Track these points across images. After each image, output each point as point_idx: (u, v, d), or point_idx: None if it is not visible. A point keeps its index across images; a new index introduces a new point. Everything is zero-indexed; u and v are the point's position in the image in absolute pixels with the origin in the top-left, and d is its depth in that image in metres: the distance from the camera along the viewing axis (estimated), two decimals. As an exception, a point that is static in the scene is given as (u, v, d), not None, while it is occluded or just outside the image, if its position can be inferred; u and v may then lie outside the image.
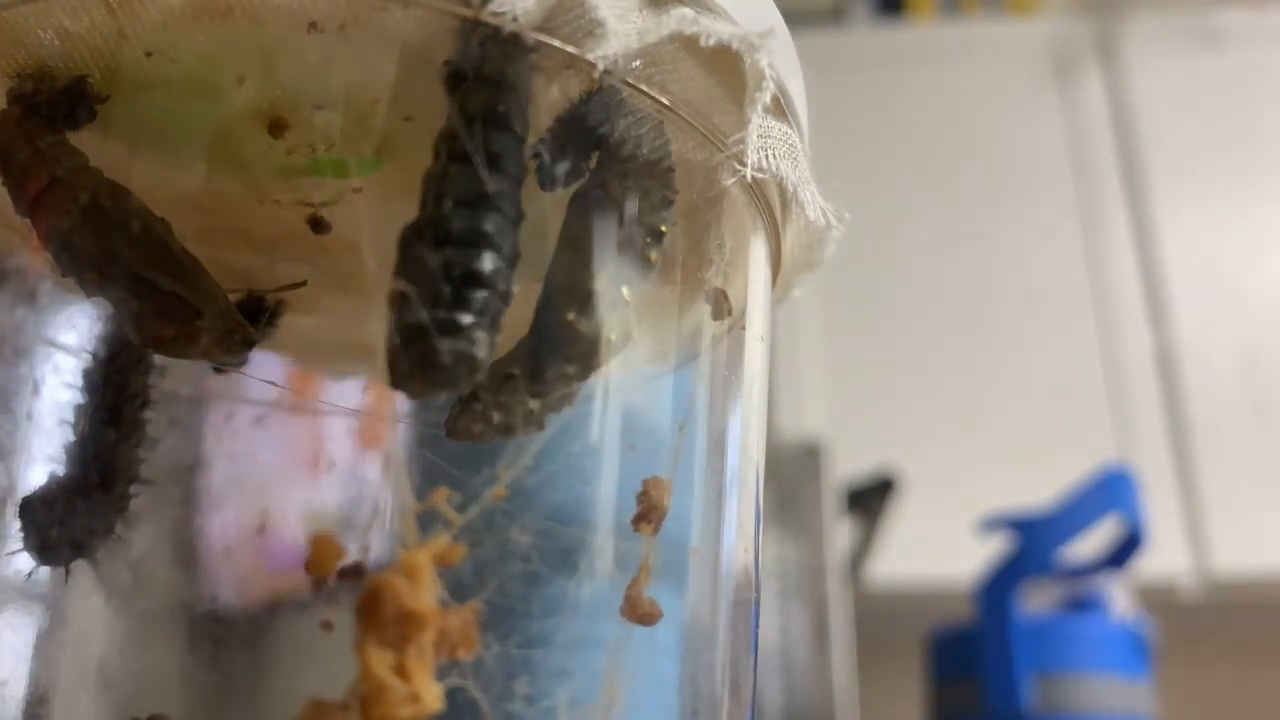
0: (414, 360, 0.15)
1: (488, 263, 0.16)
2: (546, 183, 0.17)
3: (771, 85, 0.19)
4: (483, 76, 0.17)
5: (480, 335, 0.16)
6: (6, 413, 0.20)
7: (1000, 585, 0.66)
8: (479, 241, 0.16)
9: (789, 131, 0.21)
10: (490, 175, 0.16)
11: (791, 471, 0.78)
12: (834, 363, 1.28)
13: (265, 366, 0.25)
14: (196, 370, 0.24)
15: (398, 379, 0.16)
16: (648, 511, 0.20)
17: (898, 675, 1.06)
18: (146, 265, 0.18)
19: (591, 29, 0.17)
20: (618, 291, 0.18)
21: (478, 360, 0.16)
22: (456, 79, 0.17)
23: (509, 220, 0.16)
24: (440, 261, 0.16)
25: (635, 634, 0.20)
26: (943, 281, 1.31)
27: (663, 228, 0.19)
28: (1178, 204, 1.32)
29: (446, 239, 0.16)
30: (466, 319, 0.16)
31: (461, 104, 0.17)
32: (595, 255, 0.18)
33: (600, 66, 0.17)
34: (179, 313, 0.18)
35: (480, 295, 0.16)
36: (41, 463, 0.20)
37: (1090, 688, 0.62)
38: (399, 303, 0.16)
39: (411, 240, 0.16)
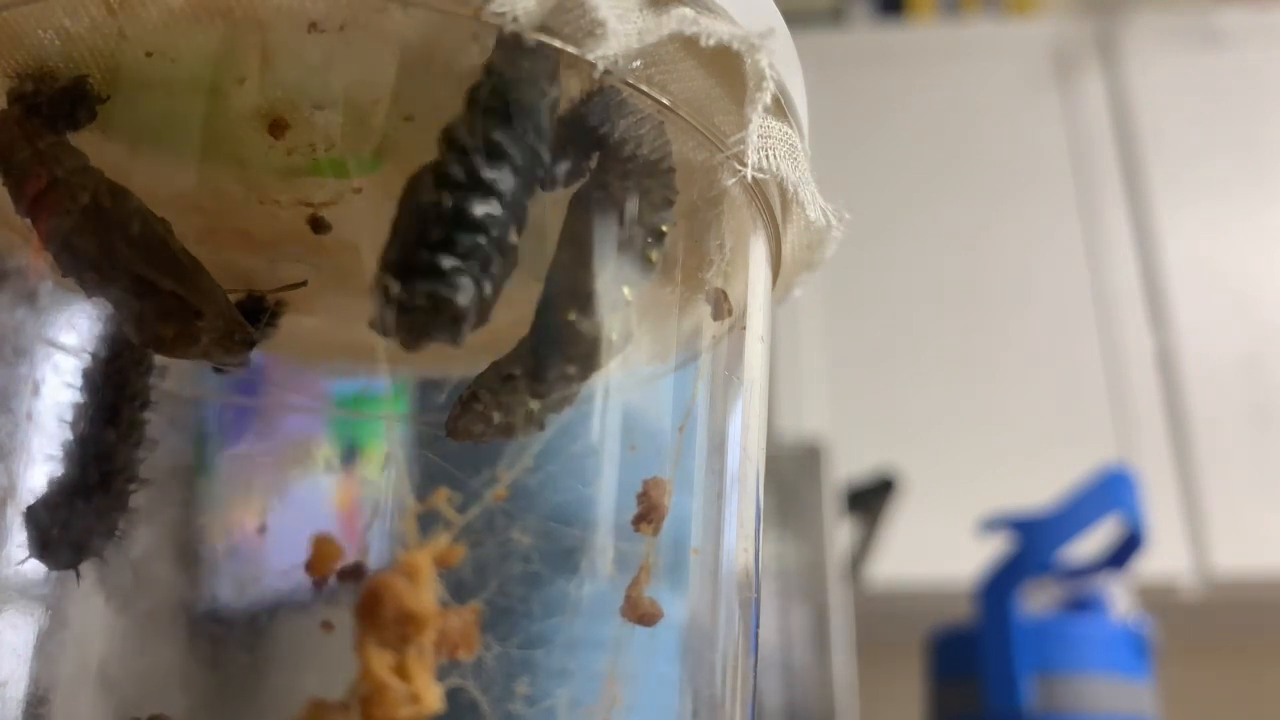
0: (390, 302, 0.15)
1: (479, 207, 0.15)
2: (546, 183, 0.17)
3: (771, 85, 0.19)
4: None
5: (463, 281, 0.15)
6: (6, 413, 0.20)
7: (1000, 585, 0.66)
8: (476, 187, 0.15)
9: (789, 131, 0.21)
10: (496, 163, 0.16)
11: (791, 471, 0.78)
12: (834, 363, 1.28)
13: (265, 366, 0.25)
14: (196, 370, 0.24)
15: (374, 322, 0.15)
16: (648, 512, 0.20)
17: (898, 675, 1.06)
18: (146, 265, 0.18)
19: (591, 29, 0.17)
20: (618, 292, 0.18)
21: (458, 306, 0.15)
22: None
23: (518, 177, 0.16)
24: (433, 201, 0.15)
25: (636, 634, 0.20)
26: (943, 281, 1.31)
27: (663, 228, 0.19)
28: (1178, 204, 1.32)
29: (444, 182, 0.15)
30: (448, 262, 0.15)
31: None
32: (596, 255, 0.18)
33: (600, 66, 0.17)
34: (179, 313, 0.18)
35: (468, 239, 0.15)
36: (41, 463, 0.20)
37: (1090, 688, 0.62)
38: (386, 244, 0.15)
39: (412, 185, 0.16)
